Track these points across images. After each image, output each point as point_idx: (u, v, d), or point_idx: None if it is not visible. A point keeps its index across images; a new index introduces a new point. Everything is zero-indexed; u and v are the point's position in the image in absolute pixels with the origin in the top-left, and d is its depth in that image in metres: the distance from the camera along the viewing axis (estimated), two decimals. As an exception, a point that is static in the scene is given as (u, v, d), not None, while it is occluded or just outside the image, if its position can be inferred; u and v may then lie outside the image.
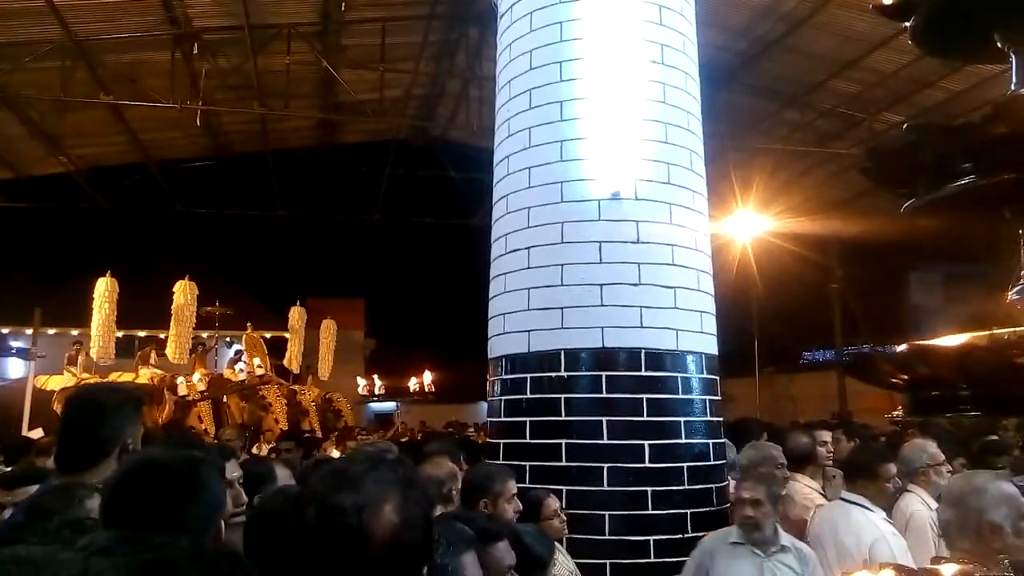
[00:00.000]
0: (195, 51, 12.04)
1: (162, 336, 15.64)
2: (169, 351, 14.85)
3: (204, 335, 16.65)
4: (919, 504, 3.91)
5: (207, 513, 1.65)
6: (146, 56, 12.13)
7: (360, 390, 17.02)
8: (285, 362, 16.97)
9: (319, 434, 13.40)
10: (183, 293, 14.89)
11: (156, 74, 12.21)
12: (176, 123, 13.96)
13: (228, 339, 19.65)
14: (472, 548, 1.94)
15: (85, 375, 13.71)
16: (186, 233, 21.51)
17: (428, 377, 16.14)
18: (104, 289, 14.11)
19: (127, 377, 14.23)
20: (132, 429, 2.35)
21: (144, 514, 1.54)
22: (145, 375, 14.43)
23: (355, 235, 20.81)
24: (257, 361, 14.48)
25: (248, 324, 16.27)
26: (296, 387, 15.07)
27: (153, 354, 15.62)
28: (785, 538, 3.48)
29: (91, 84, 12.15)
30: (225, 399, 13.80)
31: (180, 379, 14.15)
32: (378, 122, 15.57)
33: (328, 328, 17.93)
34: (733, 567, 3.39)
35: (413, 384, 16.37)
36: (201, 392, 13.64)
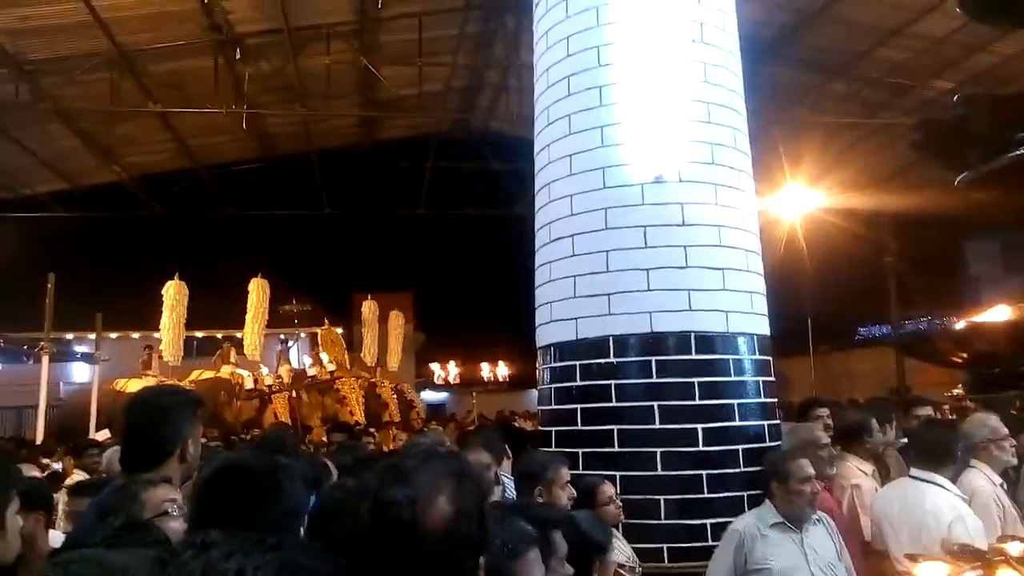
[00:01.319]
0: (238, 56, 12.26)
1: (237, 335, 15.98)
2: (247, 348, 15.17)
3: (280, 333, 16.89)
4: (983, 480, 3.82)
5: (285, 519, 1.70)
6: (190, 63, 12.39)
7: (436, 379, 17.28)
8: (362, 356, 17.14)
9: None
10: (257, 291, 15.17)
11: (200, 80, 12.46)
12: (222, 128, 14.25)
13: (302, 334, 20.03)
14: (535, 545, 1.92)
15: (162, 377, 14.00)
16: (237, 235, 21.96)
17: (503, 368, 16.29)
18: (173, 291, 14.45)
19: (208, 375, 14.52)
20: (191, 429, 2.42)
21: (226, 514, 1.61)
22: (226, 372, 14.70)
23: (400, 230, 20.96)
24: (326, 357, 14.59)
25: (325, 319, 16.46)
26: (376, 380, 15.17)
27: (232, 352, 15.95)
28: (816, 512, 3.51)
29: (138, 93, 12.47)
30: (295, 394, 13.95)
31: (264, 370, 14.34)
32: (419, 116, 15.68)
33: (396, 320, 18.08)
34: (775, 548, 3.40)
35: (487, 373, 16.57)
36: (278, 387, 13.83)
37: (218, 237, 20.64)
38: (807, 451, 3.99)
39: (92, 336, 14.95)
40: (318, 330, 16.67)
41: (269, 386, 13.64)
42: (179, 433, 2.36)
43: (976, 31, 11.14)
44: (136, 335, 20.14)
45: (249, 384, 13.81)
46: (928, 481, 3.65)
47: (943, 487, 3.61)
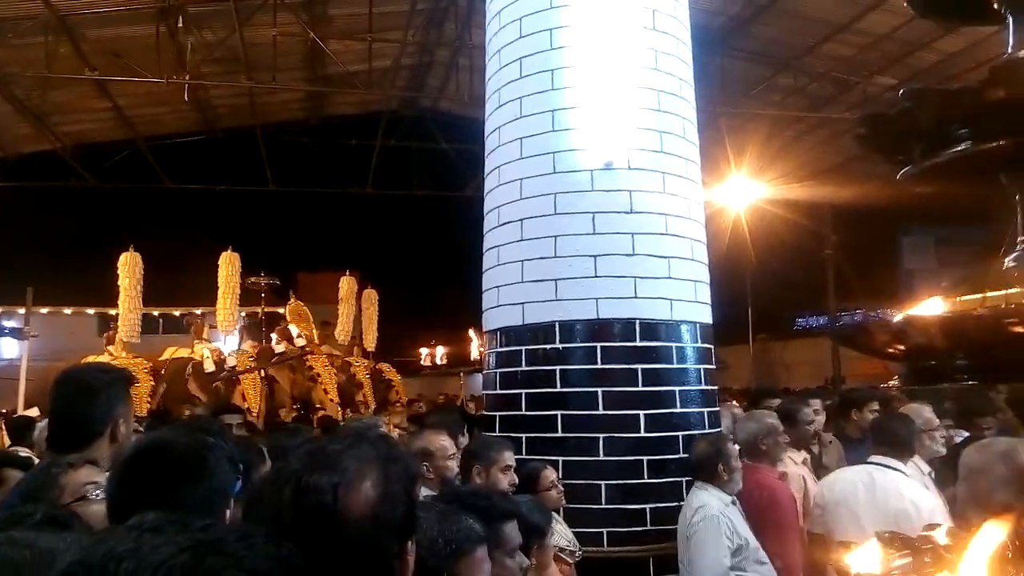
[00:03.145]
0: (180, 24, 11.87)
1: (197, 312, 15.25)
2: (220, 325, 14.68)
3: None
4: (911, 469, 3.93)
5: (211, 499, 1.65)
6: (130, 30, 11.96)
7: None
8: (336, 334, 16.63)
9: (372, 407, 13.02)
10: (227, 265, 14.66)
11: (141, 49, 12.04)
12: (163, 98, 13.81)
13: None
14: (482, 544, 1.86)
15: (125, 355, 13.28)
16: (178, 209, 21.41)
17: (440, 351, 16.01)
18: (127, 264, 13.78)
19: (183, 353, 13.96)
20: (123, 409, 2.34)
21: (149, 493, 1.56)
22: (200, 350, 14.13)
23: (347, 209, 20.68)
24: (296, 331, 14.03)
25: (291, 293, 15.98)
26: (350, 359, 14.72)
27: (207, 327, 15.40)
28: None
29: (75, 60, 11.99)
30: (265, 373, 13.38)
31: (229, 351, 13.74)
32: (367, 94, 15.41)
33: (370, 298, 17.64)
34: (739, 524, 3.60)
35: (425, 356, 16.33)
36: (246, 366, 13.19)
37: (157, 211, 20.09)
38: (768, 437, 4.08)
39: (22, 311, 14.36)
40: (285, 307, 16.01)
41: (233, 367, 12.96)
42: (110, 413, 2.29)
43: (920, 28, 11.44)
44: (68, 311, 19.54)
45: (210, 365, 13.14)
46: (892, 468, 3.75)
47: (904, 472, 3.72)
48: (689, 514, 3.65)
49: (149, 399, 11.86)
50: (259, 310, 16.64)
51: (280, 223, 20.97)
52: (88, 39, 11.88)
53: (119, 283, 13.68)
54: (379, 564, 1.31)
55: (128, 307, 13.61)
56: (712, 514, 3.56)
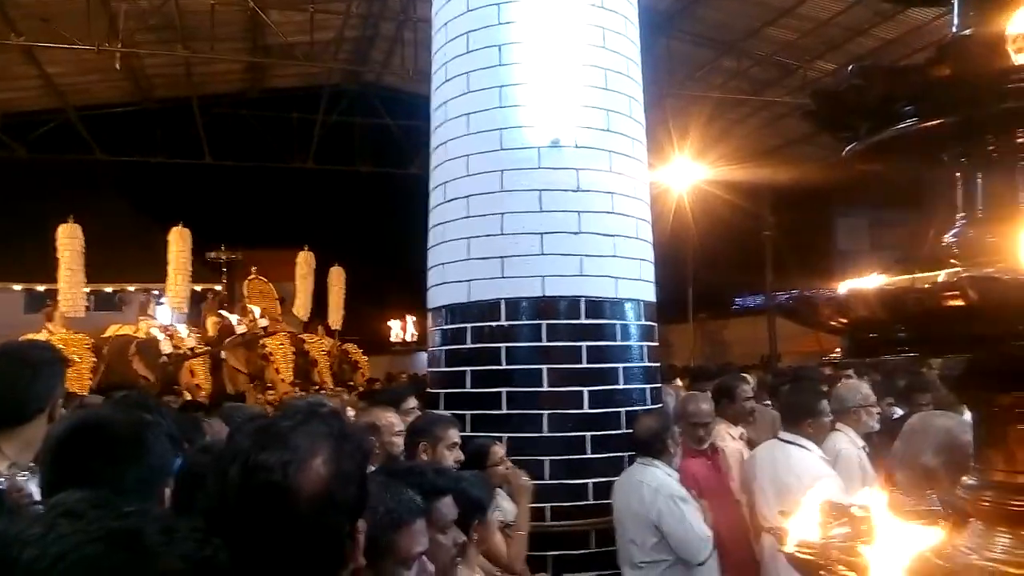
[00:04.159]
0: (112, -12, 11.40)
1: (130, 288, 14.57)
2: (171, 302, 14.15)
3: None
4: (846, 443, 4.07)
5: (149, 477, 1.61)
6: (59, -6, 11.43)
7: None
8: (294, 311, 16.16)
9: (329, 386, 12.67)
10: (177, 240, 14.12)
11: (71, 14, 11.49)
12: (94, 66, 13.24)
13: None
14: (418, 517, 1.89)
15: (64, 331, 12.66)
16: (114, 183, 20.67)
17: (411, 327, 15.64)
18: (66, 236, 13.11)
19: (127, 330, 13.39)
20: (61, 388, 2.27)
21: (84, 473, 1.51)
22: (144, 327, 13.57)
23: (287, 184, 20.21)
24: (258, 311, 13.52)
25: (253, 269, 15.47)
26: (305, 336, 14.30)
27: (152, 304, 14.85)
28: None
29: (1, 25, 11.41)
30: (222, 354, 12.92)
31: (188, 331, 13.19)
32: (309, 66, 15.05)
33: (338, 276, 17.20)
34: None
35: (394, 334, 16.01)
36: (204, 344, 12.67)
37: (92, 183, 19.34)
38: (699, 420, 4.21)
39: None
40: (244, 284, 15.45)
41: (192, 348, 12.42)
42: (51, 391, 2.22)
43: (859, 15, 11.69)
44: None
45: (167, 347, 12.61)
46: (793, 443, 3.87)
47: (806, 448, 3.83)
48: (648, 494, 3.65)
49: (91, 376, 11.50)
50: (212, 288, 16.18)
51: (224, 198, 20.35)
52: (14, 3, 11.32)
53: (58, 256, 13.12)
54: (330, 544, 1.28)
55: (69, 281, 13.06)
56: (677, 490, 3.65)
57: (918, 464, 2.38)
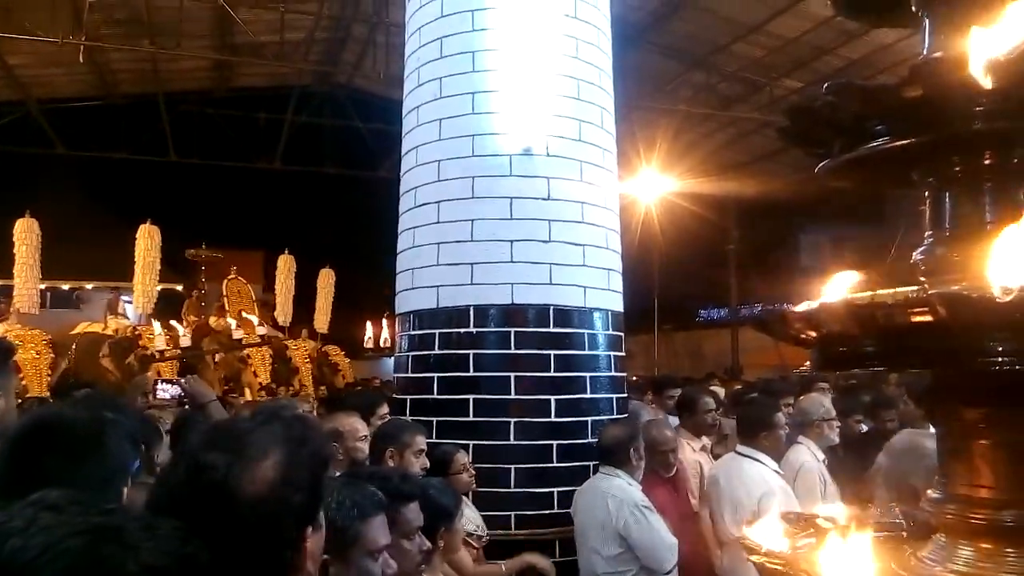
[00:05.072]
0: (78, -20, 11.18)
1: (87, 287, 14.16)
2: (138, 302, 13.72)
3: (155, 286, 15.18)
4: (808, 456, 4.12)
5: (109, 477, 1.58)
6: (22, -16, 11.19)
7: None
8: (276, 315, 15.84)
9: (310, 391, 12.55)
10: (145, 238, 13.71)
11: (34, 5, 11.26)
12: (57, 59, 12.97)
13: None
14: (381, 511, 1.92)
15: (17, 327, 12.26)
16: (70, 177, 20.21)
17: (385, 333, 15.44)
18: (22, 231, 12.72)
19: (95, 328, 13.04)
20: (4, 381, 2.21)
21: (39, 470, 1.48)
22: (113, 326, 13.20)
23: (253, 185, 19.92)
24: (256, 319, 13.13)
25: (232, 268, 15.06)
26: (289, 342, 13.97)
27: (121, 303, 14.47)
28: None
29: (-41, 12, 11.15)
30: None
31: (156, 326, 12.79)
32: (279, 66, 14.91)
33: (326, 278, 16.88)
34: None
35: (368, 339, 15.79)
36: (183, 348, 12.28)
37: (55, 179, 18.88)
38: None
39: None
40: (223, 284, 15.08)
41: (162, 351, 12.02)
42: None
43: (826, 34, 11.90)
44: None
45: (161, 343, 12.19)
46: (748, 456, 3.90)
47: (762, 462, 3.86)
48: (612, 504, 3.60)
49: (49, 372, 11.26)
50: (197, 287, 15.85)
51: (188, 196, 19.98)
52: (-27, -9, 11.06)
53: (14, 251, 12.80)
54: (272, 549, 1.26)
55: (24, 276, 12.74)
56: (638, 501, 3.62)
57: (906, 485, 2.41)
